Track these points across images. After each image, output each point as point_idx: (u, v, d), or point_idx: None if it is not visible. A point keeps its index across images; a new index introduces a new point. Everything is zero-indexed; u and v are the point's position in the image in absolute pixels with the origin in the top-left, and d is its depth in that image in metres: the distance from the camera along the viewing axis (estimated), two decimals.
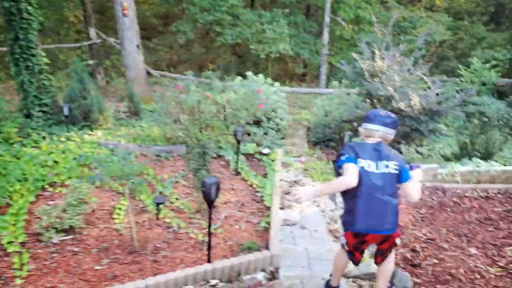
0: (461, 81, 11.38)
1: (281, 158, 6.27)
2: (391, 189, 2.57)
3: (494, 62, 11.67)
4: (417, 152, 6.32)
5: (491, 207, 4.84)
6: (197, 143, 4.44)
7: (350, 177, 2.49)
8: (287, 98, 12.63)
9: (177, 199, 4.66)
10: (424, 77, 7.07)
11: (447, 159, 6.25)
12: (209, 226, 3.27)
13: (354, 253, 2.79)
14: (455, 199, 5.01)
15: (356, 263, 2.86)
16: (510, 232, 4.20)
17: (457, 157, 6.12)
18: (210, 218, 3.26)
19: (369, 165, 2.57)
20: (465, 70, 11.50)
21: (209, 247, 3.35)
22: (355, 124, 7.58)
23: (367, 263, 3.39)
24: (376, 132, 2.72)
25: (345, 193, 2.63)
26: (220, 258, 3.51)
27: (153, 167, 5.47)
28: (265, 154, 6.27)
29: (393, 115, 2.78)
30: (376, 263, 2.86)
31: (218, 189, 3.18)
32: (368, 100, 7.26)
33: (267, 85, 8.19)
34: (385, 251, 2.75)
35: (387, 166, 2.58)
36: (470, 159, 6.02)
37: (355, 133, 7.02)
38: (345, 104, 7.98)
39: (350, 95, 8.54)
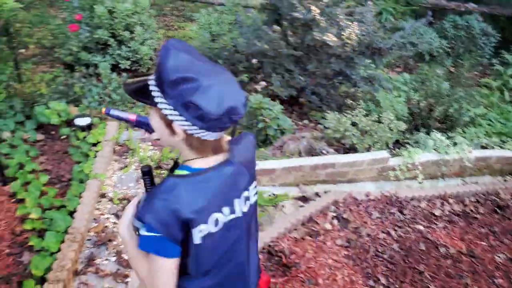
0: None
1: (116, 135, 3.33)
2: (255, 228, 1.25)
3: None
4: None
5: (487, 248, 2.74)
6: None
7: None
8: (164, 5, 9.12)
9: None
10: None
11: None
12: None
13: None
14: (423, 234, 2.79)
15: None
16: None
17: (406, 130, 3.85)
18: None
19: (217, 219, 1.05)
20: None
21: None
22: (254, 61, 4.80)
23: None
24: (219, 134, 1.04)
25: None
26: None
27: None
28: (82, 128, 3.25)
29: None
30: None
31: None
32: (275, 26, 4.45)
33: None
34: None
35: (247, 199, 1.15)
36: (428, 133, 3.82)
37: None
38: (240, 25, 5.07)
39: (250, 10, 5.61)
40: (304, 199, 3.08)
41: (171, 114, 0.95)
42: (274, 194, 3.04)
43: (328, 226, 2.73)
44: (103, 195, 2.76)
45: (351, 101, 4.69)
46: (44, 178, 2.77)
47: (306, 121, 4.51)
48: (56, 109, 3.31)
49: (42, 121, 3.30)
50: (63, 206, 2.55)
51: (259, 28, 4.47)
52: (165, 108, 0.96)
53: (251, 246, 1.23)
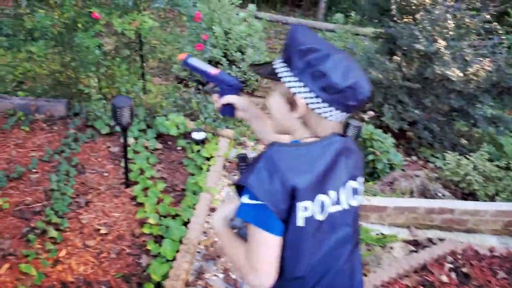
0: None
1: (227, 150, 3.43)
2: (356, 236, 1.08)
3: None
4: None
5: None
6: None
7: (262, 278, 0.94)
8: (270, 28, 9.42)
9: None
10: (497, 25, 4.08)
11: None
12: None
13: None
14: None
15: None
16: None
17: None
18: None
19: (323, 203, 0.96)
20: None
21: None
22: None
23: None
24: (340, 116, 0.99)
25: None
26: None
27: None
28: (196, 142, 3.41)
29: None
30: None
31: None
32: (395, 56, 4.28)
33: (229, 6, 5.02)
34: None
35: (355, 192, 1.05)
36: None
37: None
38: (351, 53, 5.00)
39: (361, 37, 5.52)
40: (416, 243, 2.84)
41: (295, 86, 0.96)
42: (382, 234, 2.86)
43: (444, 279, 2.47)
44: (212, 209, 2.84)
45: (466, 141, 4.31)
46: (161, 186, 2.93)
47: (414, 157, 4.23)
48: (176, 121, 3.54)
49: (161, 131, 3.54)
50: (177, 215, 2.67)
51: (373, 57, 4.35)
52: (290, 81, 0.97)
53: (356, 258, 1.08)
